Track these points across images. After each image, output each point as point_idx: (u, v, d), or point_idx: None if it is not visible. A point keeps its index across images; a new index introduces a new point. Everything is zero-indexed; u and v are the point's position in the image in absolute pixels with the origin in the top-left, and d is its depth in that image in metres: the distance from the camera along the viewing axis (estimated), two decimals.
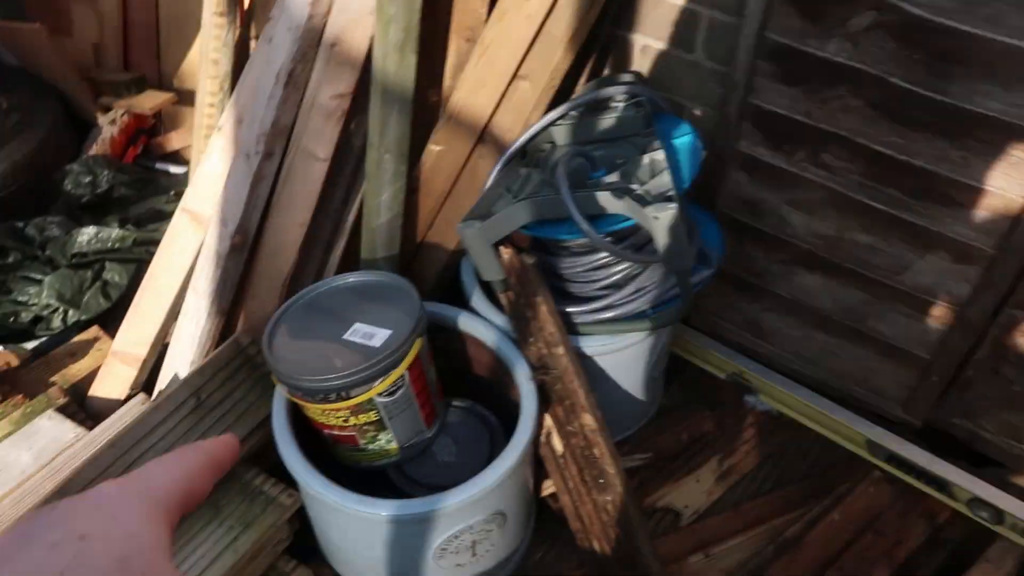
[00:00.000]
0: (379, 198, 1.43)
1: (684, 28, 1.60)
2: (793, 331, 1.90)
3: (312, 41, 1.36)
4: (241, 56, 1.54)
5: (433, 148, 1.49)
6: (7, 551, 0.29)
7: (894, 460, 1.72)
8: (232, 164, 1.42)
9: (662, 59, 1.70)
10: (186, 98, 2.43)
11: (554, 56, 1.37)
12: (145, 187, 2.33)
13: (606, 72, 1.80)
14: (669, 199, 1.27)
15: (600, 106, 1.52)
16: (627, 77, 1.62)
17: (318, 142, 1.42)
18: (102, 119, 2.41)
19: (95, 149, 2.37)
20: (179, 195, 2.25)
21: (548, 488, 1.67)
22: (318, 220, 1.52)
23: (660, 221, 1.24)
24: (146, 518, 0.32)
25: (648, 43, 1.69)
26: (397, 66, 1.32)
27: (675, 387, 2.00)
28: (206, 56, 1.53)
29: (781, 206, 1.69)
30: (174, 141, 2.50)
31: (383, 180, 1.42)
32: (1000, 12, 1.23)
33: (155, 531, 0.31)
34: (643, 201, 1.28)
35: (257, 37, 1.52)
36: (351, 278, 1.39)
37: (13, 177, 2.13)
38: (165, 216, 2.07)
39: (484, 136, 1.47)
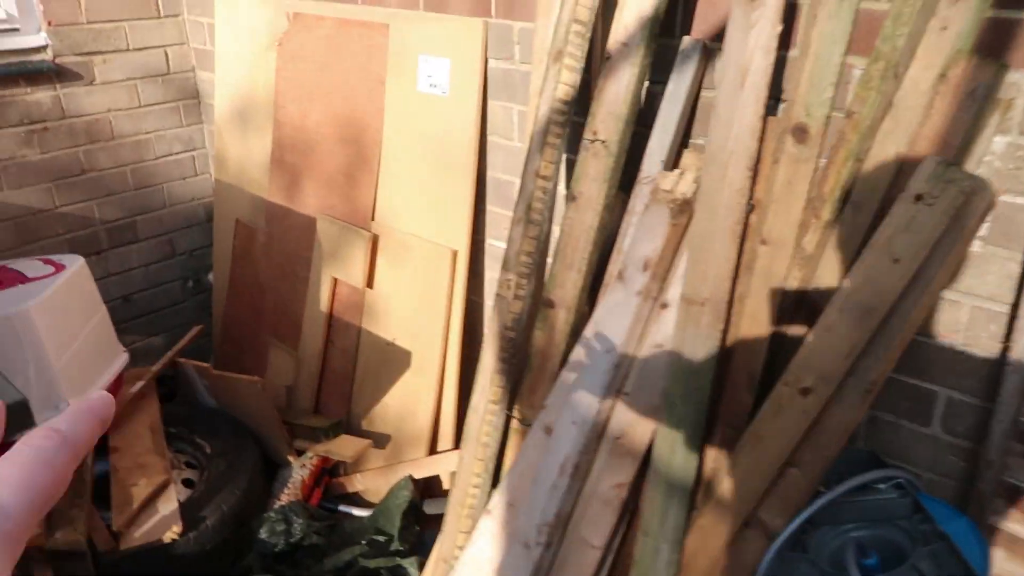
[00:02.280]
0: None
1: (920, 403, 1.66)
2: None
3: (596, 434, 1.45)
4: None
5: (699, 526, 1.50)
6: None
7: None
8: (506, 552, 1.44)
9: (891, 428, 1.74)
10: (377, 441, 2.54)
11: (830, 445, 1.42)
12: (332, 533, 2.35)
13: None
14: None
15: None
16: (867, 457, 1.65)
17: (594, 530, 1.44)
18: (295, 462, 2.51)
19: (287, 493, 2.45)
20: (372, 545, 2.27)
21: None
22: None
23: None
24: None
25: (875, 413, 1.75)
26: (683, 461, 1.38)
27: None
28: (474, 438, 1.62)
29: None
30: (357, 483, 2.57)
31: (657, 569, 1.41)
32: None
33: None
34: None
35: (519, 419, 1.62)
36: None
37: (220, 529, 2.19)
38: (368, 574, 2.06)
39: (752, 521, 1.47)
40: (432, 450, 2.47)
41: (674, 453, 1.39)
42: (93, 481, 2.24)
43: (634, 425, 1.44)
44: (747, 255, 1.45)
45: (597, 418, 1.45)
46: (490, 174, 2.23)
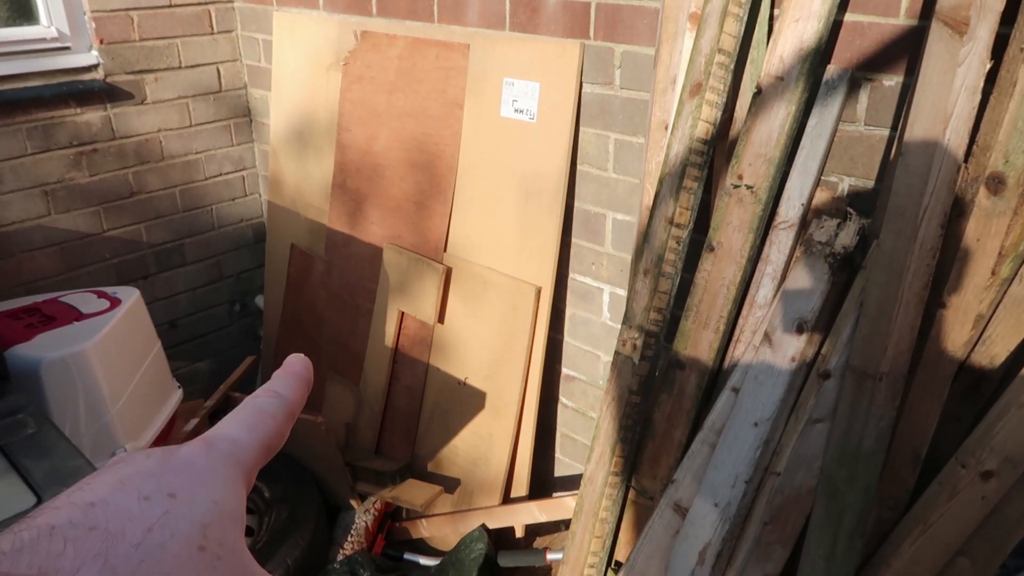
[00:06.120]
0: None
1: None
2: None
3: (741, 518, 1.28)
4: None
5: None
6: (102, 492, 0.28)
7: None
8: None
9: None
10: (444, 486, 2.38)
11: (1010, 535, 1.25)
12: None
13: None
14: None
15: None
16: None
17: None
18: (358, 507, 2.36)
19: (351, 541, 2.29)
20: None
21: None
22: None
23: None
24: (230, 485, 0.30)
25: None
26: (845, 552, 1.21)
27: None
28: (591, 512, 1.46)
29: None
30: (422, 529, 2.41)
31: None
32: None
33: (236, 498, 0.30)
34: None
35: (638, 490, 1.46)
36: None
37: None
38: None
39: None
40: (506, 498, 2.31)
41: (835, 543, 1.22)
42: None
43: (786, 509, 1.27)
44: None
45: (743, 500, 1.28)
46: (578, 205, 2.07)
